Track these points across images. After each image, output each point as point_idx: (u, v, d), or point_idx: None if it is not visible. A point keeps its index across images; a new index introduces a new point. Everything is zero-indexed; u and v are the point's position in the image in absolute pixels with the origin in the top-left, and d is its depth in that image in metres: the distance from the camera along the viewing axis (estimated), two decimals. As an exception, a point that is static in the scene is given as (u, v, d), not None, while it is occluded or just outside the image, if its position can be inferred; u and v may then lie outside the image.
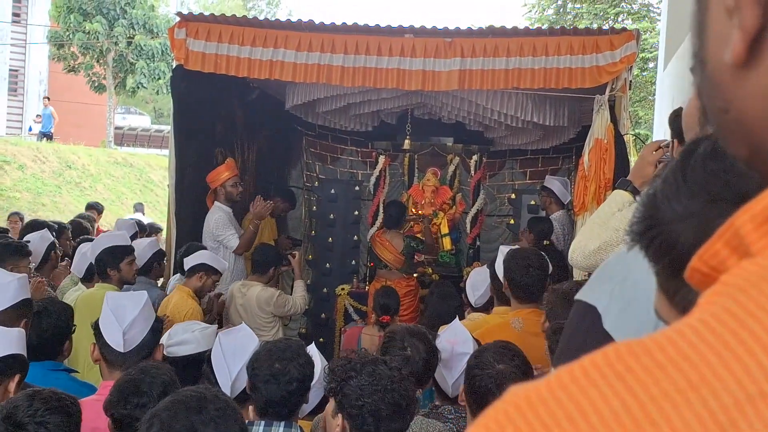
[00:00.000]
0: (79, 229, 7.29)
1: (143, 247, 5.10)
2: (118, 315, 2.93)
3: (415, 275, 6.84)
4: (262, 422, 2.56)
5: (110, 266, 4.63)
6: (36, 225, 6.21)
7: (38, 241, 5.35)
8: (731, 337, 0.40)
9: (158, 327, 3.07)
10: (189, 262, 4.93)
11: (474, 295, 4.33)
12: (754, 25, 0.47)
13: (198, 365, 3.08)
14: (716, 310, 0.42)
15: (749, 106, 0.50)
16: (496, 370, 2.55)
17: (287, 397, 2.56)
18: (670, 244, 0.86)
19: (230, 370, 2.83)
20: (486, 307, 4.19)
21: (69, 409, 2.24)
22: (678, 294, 0.86)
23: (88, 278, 4.93)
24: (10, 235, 6.31)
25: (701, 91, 0.55)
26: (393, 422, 2.22)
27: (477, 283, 4.33)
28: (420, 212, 7.37)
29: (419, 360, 2.87)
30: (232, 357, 2.86)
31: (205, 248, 5.35)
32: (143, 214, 13.64)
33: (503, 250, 3.89)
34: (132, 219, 8.60)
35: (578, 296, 1.43)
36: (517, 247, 4.40)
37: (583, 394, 0.40)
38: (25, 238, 5.36)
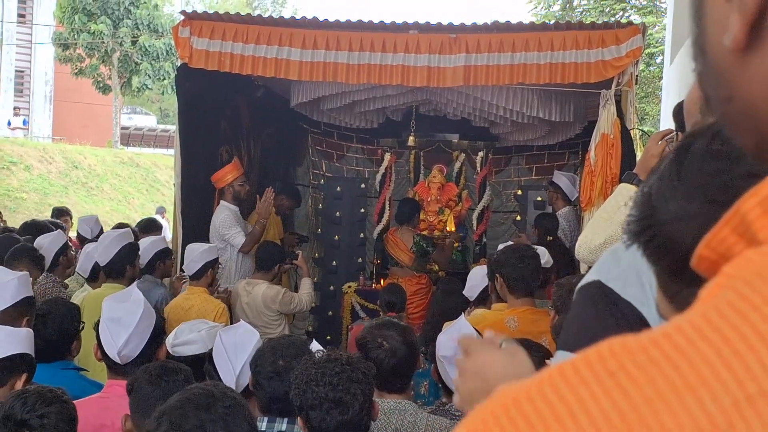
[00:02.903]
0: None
1: (146, 245, 5.09)
2: (113, 332, 2.89)
3: (427, 273, 6.81)
4: (265, 419, 2.55)
5: (131, 263, 4.72)
6: (36, 226, 6.17)
7: (50, 243, 5.34)
8: (732, 332, 0.37)
9: (159, 331, 3.03)
10: (193, 266, 4.91)
11: (467, 286, 4.42)
12: (754, 6, 0.45)
13: (204, 365, 3.07)
14: (718, 303, 0.39)
15: (753, 93, 0.48)
16: None
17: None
18: (668, 246, 0.83)
19: (233, 367, 2.82)
20: (482, 300, 4.22)
21: (63, 398, 2.27)
22: (678, 295, 0.83)
23: (93, 278, 4.93)
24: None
25: (703, 80, 0.53)
26: (331, 416, 2.18)
27: (472, 276, 4.43)
28: (446, 229, 7.32)
29: (401, 346, 2.86)
30: (234, 354, 2.84)
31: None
32: (163, 217, 13.69)
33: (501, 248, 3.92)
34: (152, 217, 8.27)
35: (582, 283, 1.39)
36: (511, 243, 4.43)
37: (573, 392, 0.38)
38: (38, 239, 5.35)
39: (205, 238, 5.89)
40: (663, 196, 0.86)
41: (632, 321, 1.29)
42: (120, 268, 4.67)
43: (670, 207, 0.84)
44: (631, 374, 0.38)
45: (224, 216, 6.02)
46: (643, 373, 0.37)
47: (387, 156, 7.74)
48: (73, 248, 5.97)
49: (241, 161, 6.53)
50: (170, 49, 22.87)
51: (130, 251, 4.75)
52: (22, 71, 28.19)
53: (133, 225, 7.53)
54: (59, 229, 5.83)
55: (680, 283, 0.83)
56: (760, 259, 0.40)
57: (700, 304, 0.41)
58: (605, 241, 2.43)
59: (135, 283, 4.34)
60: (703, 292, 0.42)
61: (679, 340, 0.38)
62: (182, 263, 5.53)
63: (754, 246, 0.42)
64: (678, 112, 2.38)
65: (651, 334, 0.39)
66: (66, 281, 5.43)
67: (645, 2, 21.70)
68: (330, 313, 7.42)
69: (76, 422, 2.29)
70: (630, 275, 1.30)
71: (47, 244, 5.16)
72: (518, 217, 7.70)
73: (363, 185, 7.89)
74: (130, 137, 31.29)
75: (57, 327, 3.35)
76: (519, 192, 7.82)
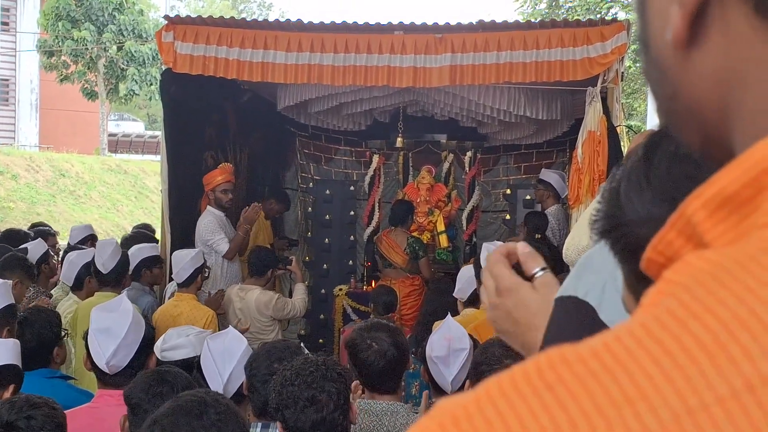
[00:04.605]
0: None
1: (133, 252, 5.06)
2: (101, 342, 2.87)
3: (419, 274, 6.78)
4: (259, 424, 2.54)
5: (128, 272, 4.79)
6: (12, 234, 6.11)
7: (30, 252, 5.28)
8: (672, 342, 0.36)
9: (148, 341, 3.01)
10: (183, 274, 4.90)
11: (457, 287, 4.42)
12: None
13: (192, 370, 3.05)
14: (658, 311, 0.38)
15: (697, 91, 0.46)
16: (505, 365, 2.52)
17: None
18: (636, 247, 0.81)
19: (221, 374, 2.80)
20: (473, 300, 4.22)
21: (52, 405, 2.27)
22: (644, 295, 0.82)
23: (78, 286, 4.87)
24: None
25: (648, 76, 0.51)
26: (306, 414, 2.17)
27: (461, 277, 4.43)
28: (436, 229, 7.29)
29: (390, 346, 2.85)
30: (221, 360, 2.83)
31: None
32: None
33: (487, 247, 3.90)
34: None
35: (560, 293, 1.39)
36: (498, 243, 4.44)
37: (512, 409, 0.36)
38: (21, 247, 5.30)
39: (192, 243, 5.86)
40: (630, 197, 0.85)
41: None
42: (119, 278, 4.69)
43: (637, 209, 0.83)
44: (570, 387, 0.36)
45: (207, 221, 5.96)
46: (582, 386, 0.36)
47: (375, 158, 7.73)
48: (55, 257, 5.92)
49: (231, 168, 6.48)
50: (156, 54, 22.72)
51: (127, 260, 4.79)
52: (7, 80, 27.98)
53: (127, 232, 7.43)
54: (39, 238, 5.76)
55: (647, 283, 0.83)
56: (700, 264, 0.39)
57: (641, 311, 0.39)
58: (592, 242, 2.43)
59: (124, 292, 4.32)
60: (644, 299, 0.41)
61: (618, 351, 0.37)
62: (170, 269, 5.50)
63: (702, 249, 0.41)
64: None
65: (590, 344, 0.38)
66: (55, 289, 5.39)
67: (630, -1, 21.76)
68: (322, 316, 7.40)
69: (65, 429, 2.27)
70: (608, 298, 1.30)
71: (28, 253, 5.12)
72: (508, 217, 7.71)
73: (352, 188, 7.88)
74: (117, 144, 31.15)
75: (35, 334, 3.31)
76: (508, 191, 7.82)
